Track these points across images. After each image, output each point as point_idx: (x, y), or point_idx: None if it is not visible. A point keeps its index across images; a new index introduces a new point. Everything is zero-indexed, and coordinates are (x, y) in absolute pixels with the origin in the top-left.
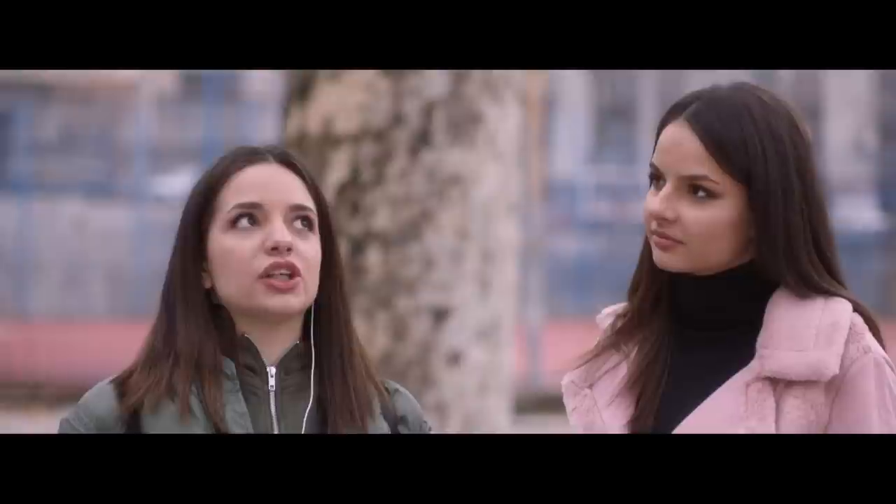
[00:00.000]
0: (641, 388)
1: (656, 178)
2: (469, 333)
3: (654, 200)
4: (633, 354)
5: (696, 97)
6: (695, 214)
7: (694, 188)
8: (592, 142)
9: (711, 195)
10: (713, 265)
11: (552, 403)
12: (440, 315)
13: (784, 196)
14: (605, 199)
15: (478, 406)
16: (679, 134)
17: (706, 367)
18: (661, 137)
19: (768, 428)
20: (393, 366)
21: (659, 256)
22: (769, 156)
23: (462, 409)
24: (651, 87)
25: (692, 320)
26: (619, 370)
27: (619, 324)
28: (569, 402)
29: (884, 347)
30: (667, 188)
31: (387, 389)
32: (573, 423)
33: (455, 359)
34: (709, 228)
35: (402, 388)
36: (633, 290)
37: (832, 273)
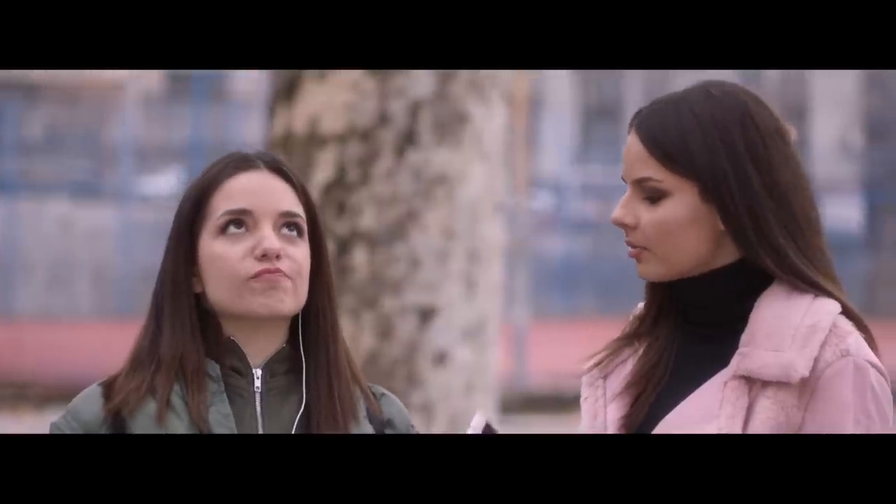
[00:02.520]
0: (644, 384)
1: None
2: (455, 333)
3: (615, 208)
4: (640, 351)
5: (649, 103)
6: (649, 216)
7: (645, 191)
8: (578, 142)
9: (661, 195)
10: (689, 264)
11: (538, 403)
12: (426, 315)
13: (741, 186)
14: (591, 199)
15: (464, 406)
16: (630, 141)
17: (700, 363)
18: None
19: (735, 427)
20: (379, 366)
21: (638, 270)
22: (713, 147)
23: (448, 408)
24: (637, 87)
25: (691, 318)
26: (627, 365)
27: (635, 324)
28: (583, 391)
29: (874, 349)
30: (626, 195)
31: (373, 394)
32: (582, 411)
33: (441, 359)
34: (664, 228)
35: (388, 393)
36: (645, 296)
37: (819, 267)
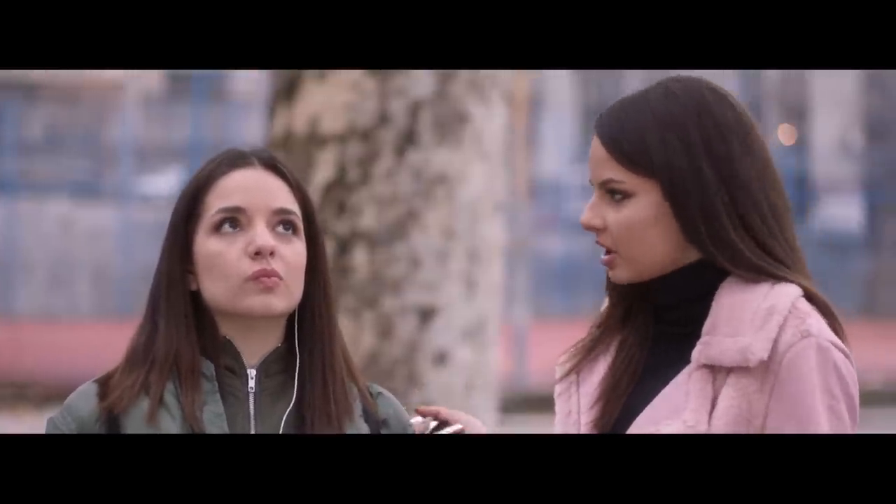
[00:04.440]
0: (616, 385)
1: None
2: (455, 333)
3: (584, 212)
4: (612, 349)
5: (611, 105)
6: (614, 217)
7: (610, 193)
8: (578, 142)
9: (625, 195)
10: (657, 265)
11: (538, 403)
12: (426, 315)
13: (695, 182)
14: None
15: (464, 406)
16: (593, 144)
17: (671, 364)
18: None
19: (700, 419)
20: (379, 365)
21: (609, 275)
22: (670, 145)
23: (448, 408)
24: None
25: (663, 319)
26: (599, 361)
27: (600, 327)
28: (556, 388)
29: (841, 336)
30: (593, 198)
31: (370, 392)
32: (556, 408)
33: (441, 358)
34: (628, 228)
35: (385, 392)
36: (608, 292)
37: (782, 258)
